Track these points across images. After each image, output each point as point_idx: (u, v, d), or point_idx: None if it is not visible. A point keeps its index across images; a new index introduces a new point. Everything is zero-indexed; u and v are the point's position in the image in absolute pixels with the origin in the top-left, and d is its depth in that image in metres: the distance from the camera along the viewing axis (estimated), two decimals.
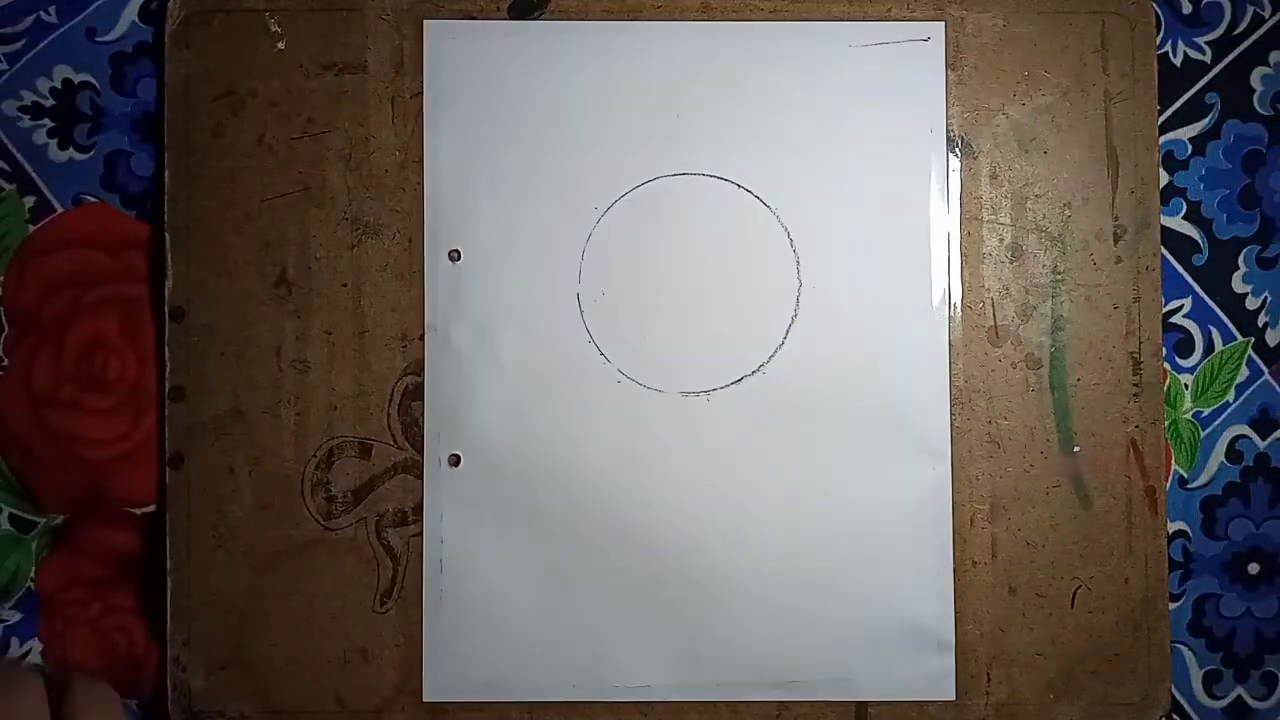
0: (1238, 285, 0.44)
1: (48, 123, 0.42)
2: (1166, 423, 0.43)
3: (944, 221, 0.41)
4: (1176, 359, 0.43)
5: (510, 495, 0.41)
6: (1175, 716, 0.43)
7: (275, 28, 0.41)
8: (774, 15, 0.41)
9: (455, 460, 0.41)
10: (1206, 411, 0.44)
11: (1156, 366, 0.42)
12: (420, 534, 0.41)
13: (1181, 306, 0.43)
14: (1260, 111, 0.43)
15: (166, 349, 0.41)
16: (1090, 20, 0.42)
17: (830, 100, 0.41)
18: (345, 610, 0.41)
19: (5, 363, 0.42)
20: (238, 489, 0.41)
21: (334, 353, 0.41)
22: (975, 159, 0.42)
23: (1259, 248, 0.43)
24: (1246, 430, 0.44)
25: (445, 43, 0.41)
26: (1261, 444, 0.44)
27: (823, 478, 0.41)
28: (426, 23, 0.41)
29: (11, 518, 0.42)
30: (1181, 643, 0.44)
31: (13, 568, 0.42)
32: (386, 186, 0.41)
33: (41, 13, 0.42)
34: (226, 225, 0.41)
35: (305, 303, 0.41)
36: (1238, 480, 0.44)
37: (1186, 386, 0.44)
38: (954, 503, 0.41)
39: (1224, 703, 0.44)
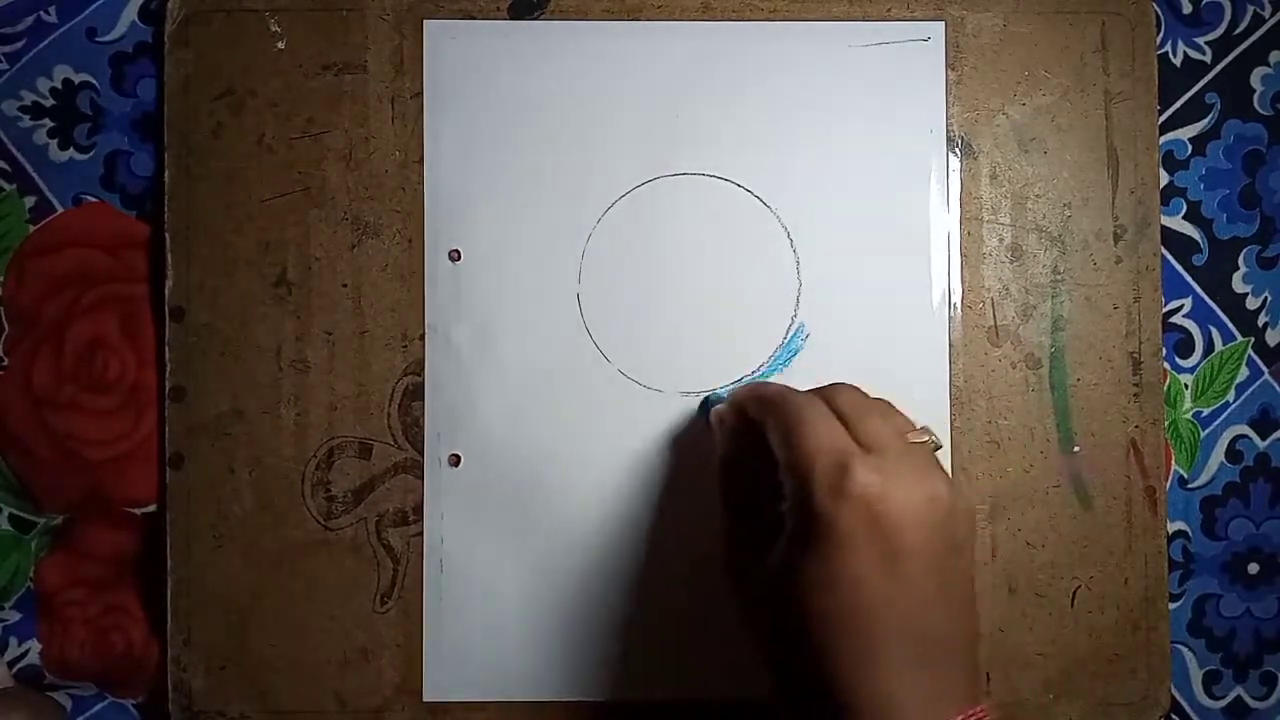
0: (1238, 285, 0.43)
1: (48, 123, 0.42)
2: (1166, 423, 0.43)
3: (944, 221, 0.41)
4: (1176, 359, 0.43)
5: (510, 495, 0.41)
6: (1175, 716, 0.43)
7: (275, 28, 0.41)
8: (774, 15, 0.41)
9: (455, 460, 0.41)
10: (1206, 411, 0.44)
11: (1156, 366, 0.42)
12: (420, 534, 0.41)
13: (1181, 306, 0.43)
14: (1260, 111, 0.43)
15: (166, 349, 0.41)
16: (1090, 20, 0.42)
17: (830, 100, 0.41)
18: (345, 610, 0.41)
19: (5, 363, 0.42)
20: (238, 489, 0.41)
21: (334, 353, 0.41)
22: (975, 159, 0.42)
23: (1259, 248, 0.43)
24: (1246, 430, 0.44)
25: (445, 43, 0.41)
26: (1261, 444, 0.44)
27: None
28: (426, 23, 0.41)
29: (11, 518, 0.42)
30: (1181, 643, 0.44)
31: (12, 568, 0.42)
32: (386, 186, 0.41)
33: (41, 13, 0.42)
34: (226, 225, 0.41)
35: (305, 303, 0.41)
36: (1238, 480, 0.44)
37: (1186, 386, 0.43)
38: None
39: (1224, 703, 0.44)
